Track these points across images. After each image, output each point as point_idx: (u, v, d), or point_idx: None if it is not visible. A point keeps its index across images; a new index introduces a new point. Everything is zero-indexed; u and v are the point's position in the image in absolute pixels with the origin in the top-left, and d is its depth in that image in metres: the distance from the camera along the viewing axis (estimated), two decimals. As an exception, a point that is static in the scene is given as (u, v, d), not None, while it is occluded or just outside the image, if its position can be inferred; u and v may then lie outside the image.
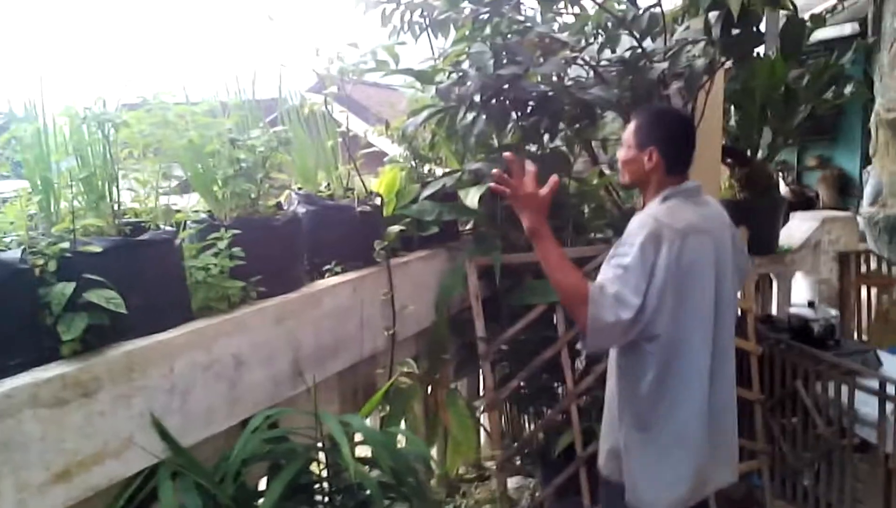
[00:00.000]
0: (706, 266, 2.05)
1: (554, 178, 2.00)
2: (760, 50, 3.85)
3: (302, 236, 2.18)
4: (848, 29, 6.58)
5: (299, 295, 2.09)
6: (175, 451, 1.63)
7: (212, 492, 1.68)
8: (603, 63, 3.19)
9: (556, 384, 3.21)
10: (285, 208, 2.29)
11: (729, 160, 4.09)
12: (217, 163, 1.94)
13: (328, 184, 2.57)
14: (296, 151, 2.40)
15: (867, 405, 2.94)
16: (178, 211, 1.93)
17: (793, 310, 3.55)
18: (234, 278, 1.88)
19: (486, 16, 2.90)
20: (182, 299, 1.76)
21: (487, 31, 2.92)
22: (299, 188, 2.49)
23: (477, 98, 2.87)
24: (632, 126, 2.18)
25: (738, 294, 2.40)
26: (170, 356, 1.63)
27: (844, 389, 3.01)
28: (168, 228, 1.79)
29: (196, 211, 1.99)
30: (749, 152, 4.11)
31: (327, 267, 2.32)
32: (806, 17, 3.53)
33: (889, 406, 2.81)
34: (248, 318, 1.87)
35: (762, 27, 3.11)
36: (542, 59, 2.90)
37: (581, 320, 1.93)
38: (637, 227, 2.02)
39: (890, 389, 2.80)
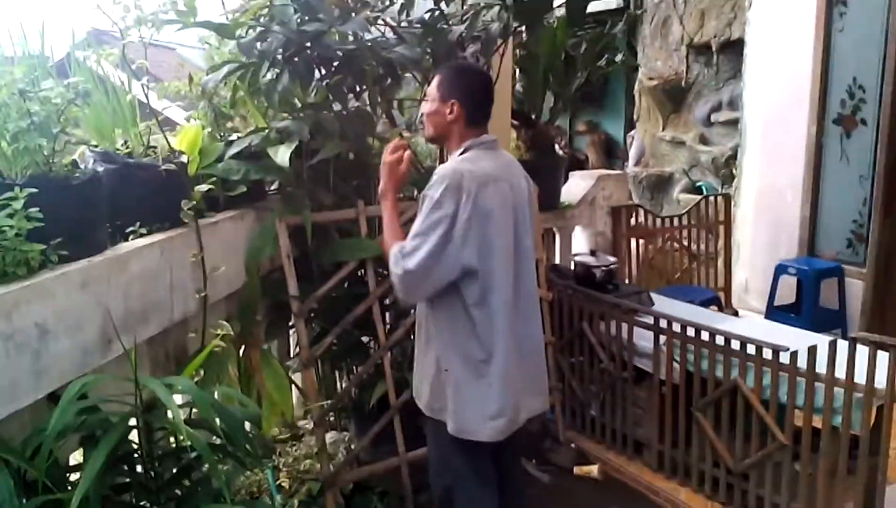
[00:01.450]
0: (505, 210, 2.23)
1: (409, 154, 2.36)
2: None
3: (103, 196, 2.04)
4: (613, 3, 7.18)
5: (104, 259, 1.96)
6: (-22, 430, 1.50)
7: (22, 471, 1.57)
8: (403, 24, 3.25)
9: (367, 339, 3.29)
10: (81, 166, 2.13)
11: (515, 122, 4.37)
12: (6, 116, 1.75)
13: (125, 141, 2.41)
14: (91, 105, 2.22)
15: (643, 339, 3.33)
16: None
17: (577, 258, 3.89)
18: (31, 241, 1.73)
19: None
20: (-26, 265, 1.60)
21: (289, -14, 2.85)
22: (95, 145, 2.31)
23: (279, 55, 2.82)
24: (435, 81, 2.32)
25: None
26: (-35, 328, 1.49)
27: (624, 326, 3.39)
28: (-48, 187, 1.61)
29: (-21, 169, 1.79)
30: (533, 115, 4.41)
31: (131, 229, 2.19)
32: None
33: (662, 339, 3.20)
34: (51, 284, 1.73)
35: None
36: (340, 19, 2.90)
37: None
38: (438, 179, 2.16)
39: (662, 323, 3.19)
